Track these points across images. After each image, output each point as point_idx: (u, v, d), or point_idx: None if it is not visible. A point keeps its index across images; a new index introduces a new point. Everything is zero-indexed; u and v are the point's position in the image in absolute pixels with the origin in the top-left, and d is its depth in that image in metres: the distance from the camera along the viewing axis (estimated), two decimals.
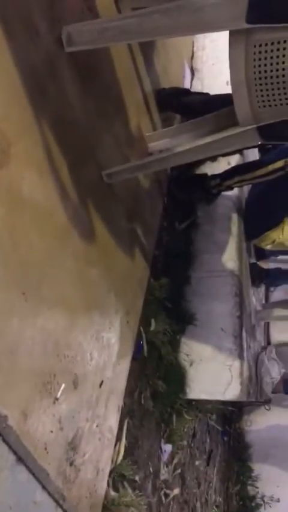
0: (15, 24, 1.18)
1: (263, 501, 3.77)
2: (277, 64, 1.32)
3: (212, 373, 2.24)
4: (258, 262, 3.07)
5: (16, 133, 1.17)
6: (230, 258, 2.51)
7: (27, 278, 1.17)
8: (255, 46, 1.31)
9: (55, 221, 1.33)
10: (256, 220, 2.56)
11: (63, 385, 1.28)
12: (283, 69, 1.32)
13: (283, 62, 1.31)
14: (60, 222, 1.36)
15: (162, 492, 2.08)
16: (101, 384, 1.53)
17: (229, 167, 2.53)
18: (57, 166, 1.34)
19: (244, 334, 2.36)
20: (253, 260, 2.95)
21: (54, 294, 1.29)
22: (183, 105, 2.29)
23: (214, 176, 2.43)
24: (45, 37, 1.31)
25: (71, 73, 1.44)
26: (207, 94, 2.40)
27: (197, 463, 2.68)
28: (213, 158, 2.66)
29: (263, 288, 3.70)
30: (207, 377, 2.24)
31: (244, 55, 1.35)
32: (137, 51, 2.01)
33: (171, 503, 2.19)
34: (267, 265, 3.31)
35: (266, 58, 1.32)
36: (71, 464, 1.32)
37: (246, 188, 2.71)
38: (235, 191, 2.64)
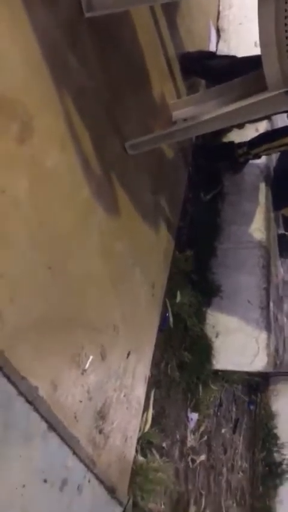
0: None
1: None
2: None
3: (238, 344, 2.24)
4: (286, 233, 3.00)
5: (37, 105, 1.15)
6: (257, 228, 2.46)
7: (52, 252, 1.18)
8: (286, 2, 1.23)
9: (79, 195, 1.33)
10: (285, 189, 2.48)
11: (91, 357, 1.31)
12: None
13: None
14: (84, 195, 1.35)
15: (189, 458, 2.14)
16: (128, 355, 1.55)
17: (257, 134, 2.43)
18: (80, 139, 1.32)
19: (271, 305, 2.33)
20: (281, 231, 2.88)
21: (79, 268, 1.30)
22: (209, 69, 2.19)
23: (241, 144, 2.35)
24: (64, 3, 1.27)
25: (91, 40, 1.39)
26: (234, 57, 2.29)
27: (223, 430, 2.73)
28: (240, 125, 2.56)
29: None
30: (233, 348, 2.24)
31: (274, 12, 1.27)
32: (159, 14, 1.92)
33: (198, 468, 2.26)
34: None
35: None
36: (100, 431, 1.36)
37: (275, 156, 2.62)
38: (263, 159, 2.55)
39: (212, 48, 2.75)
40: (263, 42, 1.34)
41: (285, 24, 1.27)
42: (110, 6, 1.38)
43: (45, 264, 1.14)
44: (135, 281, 1.66)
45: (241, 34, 2.77)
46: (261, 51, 1.36)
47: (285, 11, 1.25)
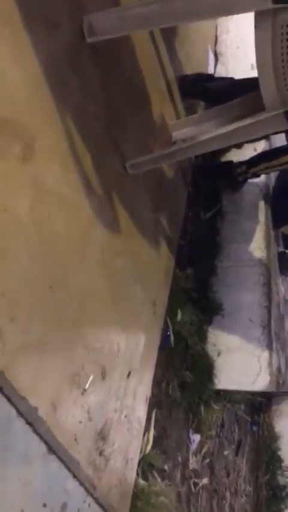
0: (36, 17, 1.18)
1: None
2: None
3: (240, 363, 2.22)
4: (286, 251, 3.00)
5: (39, 126, 1.17)
6: (257, 246, 2.46)
7: (53, 271, 1.18)
8: (282, 27, 1.26)
9: (80, 213, 1.34)
10: (284, 208, 2.50)
11: (91, 376, 1.29)
12: None
13: None
14: (85, 214, 1.36)
15: (191, 481, 2.09)
16: (128, 375, 1.53)
17: (255, 153, 2.47)
18: (81, 158, 1.34)
19: (273, 324, 2.32)
20: (281, 249, 2.89)
21: (81, 286, 1.30)
22: (207, 91, 2.24)
23: (240, 163, 2.38)
24: (66, 28, 1.30)
25: (92, 63, 1.43)
26: (231, 79, 2.34)
27: (225, 452, 2.68)
28: (239, 145, 2.60)
29: None
30: (235, 367, 2.22)
31: (271, 36, 1.30)
32: (158, 38, 1.97)
33: (201, 492, 2.20)
34: None
35: None
36: (101, 453, 1.34)
37: (273, 175, 2.64)
38: (262, 178, 2.58)
39: (211, 71, 2.81)
40: (260, 64, 1.37)
41: (281, 48, 1.30)
42: (111, 31, 1.42)
43: (46, 282, 1.14)
44: (136, 299, 1.65)
45: (238, 57, 2.84)
46: (258, 73, 1.39)
47: (281, 34, 1.28)
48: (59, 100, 1.24)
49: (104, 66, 1.50)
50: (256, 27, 1.30)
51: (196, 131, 1.92)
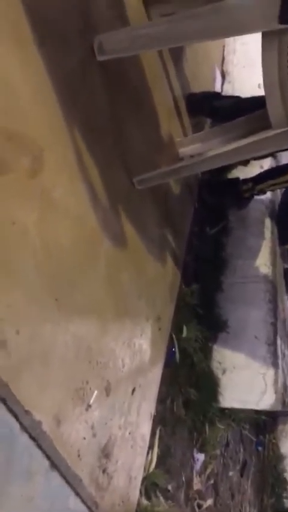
0: (49, 34, 1.21)
1: None
2: None
3: (246, 381, 2.19)
4: None
5: (48, 140, 1.18)
6: (263, 263, 2.46)
7: (59, 284, 1.18)
8: None
9: (86, 227, 1.34)
10: None
11: (95, 392, 1.28)
12: None
13: None
14: (92, 227, 1.37)
15: (196, 502, 2.04)
16: (133, 391, 1.52)
17: (262, 170, 2.48)
18: (89, 173, 1.36)
19: (279, 341, 2.29)
20: (287, 265, 2.88)
21: (86, 300, 1.30)
22: (214, 109, 2.27)
23: (246, 180, 2.39)
24: (77, 46, 1.33)
25: (102, 80, 1.46)
26: (238, 97, 2.37)
27: (230, 473, 2.62)
28: (245, 162, 2.62)
29: None
30: (240, 385, 2.19)
31: (277, 56, 1.32)
32: (167, 57, 2.01)
33: None
34: None
35: None
36: (104, 471, 1.31)
37: (280, 192, 2.65)
38: (268, 195, 2.59)
39: (218, 89, 2.86)
40: (267, 83, 1.39)
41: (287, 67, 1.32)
42: (121, 50, 1.45)
43: (52, 295, 1.14)
44: (141, 314, 1.64)
45: (245, 76, 2.88)
46: (265, 92, 1.41)
47: (287, 55, 1.31)
48: (68, 115, 1.26)
49: (113, 83, 1.53)
50: (263, 47, 1.33)
51: (203, 148, 1.94)
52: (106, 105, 1.48)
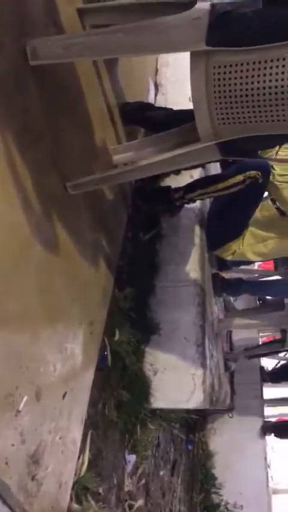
0: None
1: (227, 509, 3.82)
2: (235, 84, 1.38)
3: (176, 382, 2.27)
4: (220, 273, 3.16)
5: None
6: (193, 268, 2.57)
7: None
8: (214, 67, 1.37)
9: (18, 232, 1.33)
10: (217, 232, 2.64)
11: (25, 397, 1.27)
12: (241, 90, 1.38)
13: (241, 84, 1.37)
14: (24, 233, 1.36)
15: (127, 504, 2.07)
16: (64, 396, 1.52)
17: (192, 180, 2.60)
18: (21, 178, 1.35)
19: (207, 342, 2.41)
20: (215, 270, 3.03)
21: (18, 307, 1.28)
22: (147, 119, 2.33)
23: (177, 189, 2.49)
24: (9, 50, 1.32)
25: (36, 85, 1.45)
26: (170, 109, 2.46)
27: (161, 473, 2.69)
28: (177, 171, 2.72)
29: (230, 298, 3.80)
30: (171, 386, 2.27)
31: (204, 75, 1.40)
32: (102, 66, 2.05)
33: None
34: (229, 275, 3.41)
35: (225, 79, 1.38)
36: (33, 478, 1.30)
37: (209, 201, 2.80)
38: (197, 203, 2.72)
39: (151, 100, 2.95)
40: (195, 100, 1.47)
41: (214, 86, 1.40)
42: (54, 57, 1.46)
43: None
44: (74, 319, 1.65)
45: (177, 89, 3.00)
46: (194, 107, 1.48)
47: (213, 74, 1.39)
48: (0, 119, 1.25)
49: (48, 88, 1.53)
50: (191, 65, 1.40)
51: (136, 156, 2.00)
52: (40, 110, 1.48)
